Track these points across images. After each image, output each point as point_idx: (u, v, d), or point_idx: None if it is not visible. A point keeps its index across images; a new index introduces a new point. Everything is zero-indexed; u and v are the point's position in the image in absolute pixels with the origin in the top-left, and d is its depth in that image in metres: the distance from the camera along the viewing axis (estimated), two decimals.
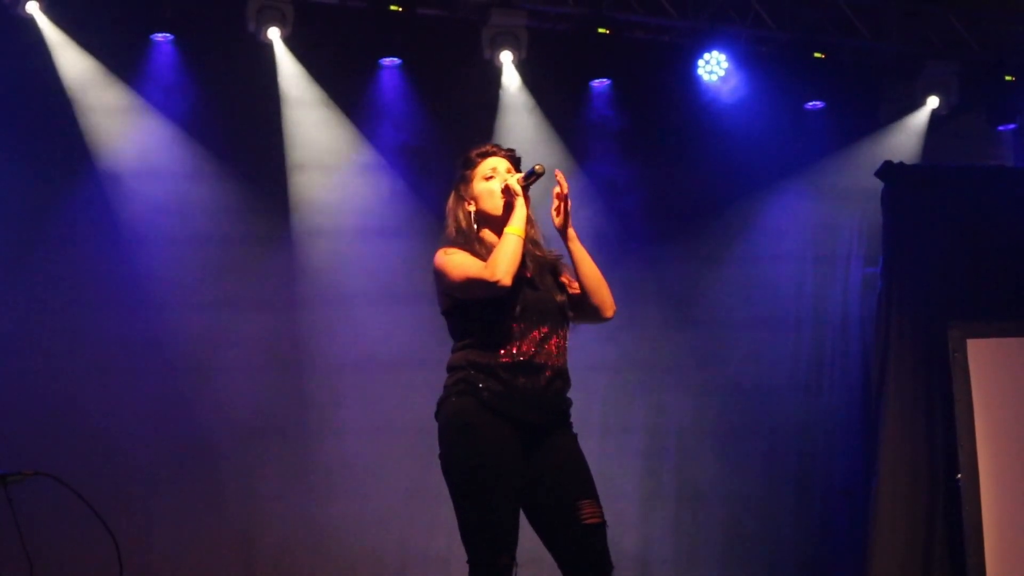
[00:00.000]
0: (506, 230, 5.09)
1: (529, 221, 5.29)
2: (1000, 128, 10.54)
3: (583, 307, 5.33)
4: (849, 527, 9.49)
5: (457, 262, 5.11)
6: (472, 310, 5.12)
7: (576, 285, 5.32)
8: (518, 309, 5.09)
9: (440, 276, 5.14)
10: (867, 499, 9.07)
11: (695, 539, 9.79)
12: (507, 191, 5.19)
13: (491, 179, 5.26)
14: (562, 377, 5.17)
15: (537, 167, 5.15)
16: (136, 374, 8.81)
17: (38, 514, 7.51)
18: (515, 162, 5.37)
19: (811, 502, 9.93)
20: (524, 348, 5.06)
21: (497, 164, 5.31)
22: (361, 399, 9.20)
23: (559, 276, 5.35)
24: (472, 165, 5.34)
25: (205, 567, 8.86)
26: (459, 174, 5.39)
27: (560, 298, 5.26)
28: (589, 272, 5.29)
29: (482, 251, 5.18)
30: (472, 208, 5.30)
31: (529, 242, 5.27)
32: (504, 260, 5.01)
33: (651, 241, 9.92)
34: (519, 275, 5.14)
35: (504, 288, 4.98)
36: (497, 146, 5.41)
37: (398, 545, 9.20)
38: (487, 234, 5.25)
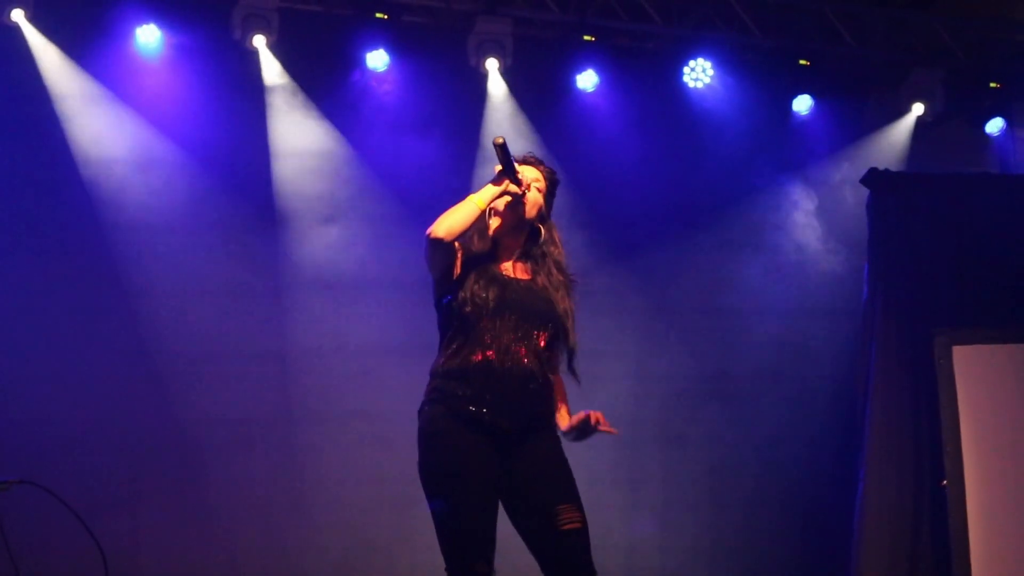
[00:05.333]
0: (469, 196, 5.12)
1: (552, 242, 5.35)
2: (986, 134, 10.60)
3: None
4: (835, 532, 9.48)
5: None
6: (455, 303, 5.11)
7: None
8: (492, 306, 5.07)
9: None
10: (853, 505, 9.07)
11: (680, 543, 9.80)
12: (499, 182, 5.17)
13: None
14: (537, 382, 5.13)
15: (496, 139, 5.13)
16: (120, 380, 8.82)
17: (23, 522, 7.51)
18: (551, 181, 5.42)
19: (796, 508, 9.93)
20: (496, 350, 5.04)
21: (527, 172, 5.29)
22: (349, 400, 9.21)
23: (569, 304, 5.33)
24: None
25: (191, 572, 8.85)
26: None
27: (561, 309, 5.24)
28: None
29: (476, 240, 5.21)
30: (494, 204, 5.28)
31: (553, 262, 5.30)
32: (447, 217, 5.02)
33: (636, 245, 9.93)
34: (513, 279, 5.17)
35: (438, 240, 4.98)
36: (536, 158, 5.43)
37: (385, 549, 9.20)
38: (492, 228, 5.26)
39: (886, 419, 9.03)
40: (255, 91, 9.30)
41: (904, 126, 10.41)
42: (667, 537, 9.78)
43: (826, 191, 10.23)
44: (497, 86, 9.71)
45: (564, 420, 5.34)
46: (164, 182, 9.09)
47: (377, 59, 9.40)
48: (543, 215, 5.36)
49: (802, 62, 10.23)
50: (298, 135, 9.41)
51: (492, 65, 9.57)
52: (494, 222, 5.27)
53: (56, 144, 8.87)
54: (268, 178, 9.34)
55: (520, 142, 9.53)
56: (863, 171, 9.39)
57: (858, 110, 10.57)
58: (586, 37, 9.84)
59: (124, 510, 8.66)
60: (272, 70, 9.31)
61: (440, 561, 5.03)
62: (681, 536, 9.81)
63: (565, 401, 5.40)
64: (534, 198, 5.28)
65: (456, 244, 5.12)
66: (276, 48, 9.25)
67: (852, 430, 9.25)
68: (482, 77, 9.67)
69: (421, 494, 5.10)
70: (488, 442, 5.02)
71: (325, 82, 9.48)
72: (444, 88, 9.60)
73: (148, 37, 8.99)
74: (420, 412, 5.16)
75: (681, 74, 9.98)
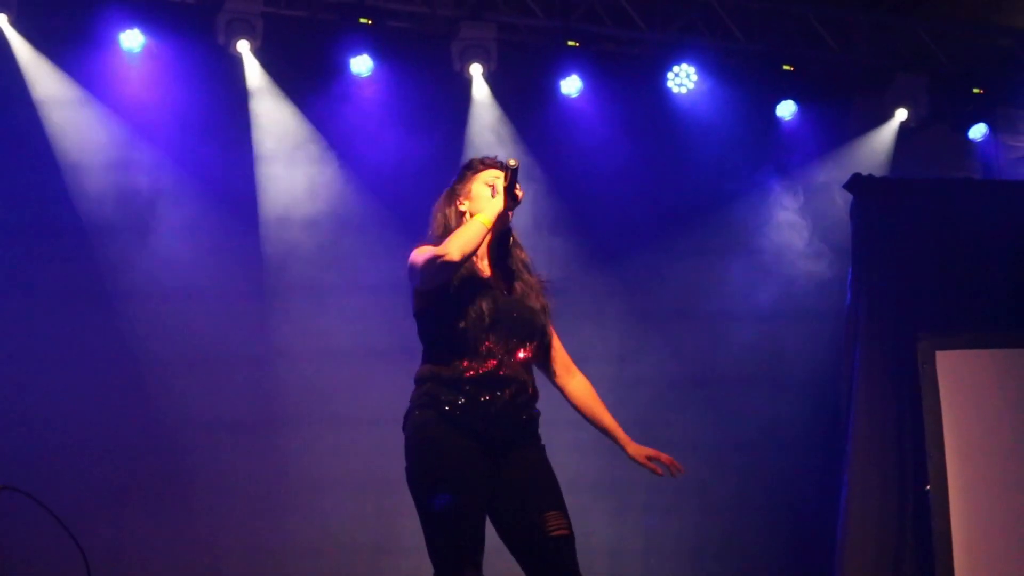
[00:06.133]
0: (475, 217, 5.09)
1: (517, 244, 5.34)
2: (969, 139, 10.63)
3: (547, 365, 5.44)
4: (819, 536, 9.49)
5: (422, 251, 5.06)
6: (443, 315, 5.09)
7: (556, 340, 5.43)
8: (487, 319, 5.07)
9: (410, 270, 5.10)
10: (836, 509, 9.08)
11: (664, 547, 9.80)
12: (493, 191, 5.17)
13: (493, 187, 5.24)
14: (528, 392, 5.15)
15: (511, 161, 5.13)
16: (103, 385, 8.78)
17: (6, 527, 7.49)
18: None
19: (780, 512, 9.93)
20: (491, 361, 5.05)
21: (502, 176, 5.27)
22: (328, 396, 9.19)
23: (545, 302, 5.36)
24: (475, 168, 5.34)
25: None
26: (459, 174, 5.38)
27: (542, 320, 5.27)
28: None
29: None
30: (464, 207, 5.28)
31: (521, 263, 5.31)
32: (459, 239, 4.98)
33: (619, 250, 9.93)
34: (498, 288, 5.16)
35: (452, 264, 4.93)
36: (503, 163, 5.41)
37: (368, 555, 9.19)
38: None
39: (869, 423, 9.04)
40: (239, 96, 9.29)
41: (888, 131, 10.43)
42: (650, 542, 9.77)
43: (810, 196, 10.23)
44: (481, 91, 9.70)
45: (619, 432, 5.53)
46: (148, 187, 9.06)
47: (361, 64, 9.40)
48: None
49: (786, 67, 10.24)
50: (282, 139, 9.40)
51: (476, 70, 9.57)
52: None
53: (39, 149, 8.85)
54: (252, 184, 9.32)
55: (504, 148, 9.55)
56: (847, 176, 9.41)
57: (842, 115, 10.58)
58: (570, 42, 9.83)
59: (107, 516, 8.63)
60: (256, 75, 9.30)
61: (425, 566, 5.02)
62: (665, 541, 9.81)
63: (603, 407, 5.57)
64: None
65: None
66: (260, 53, 9.24)
67: (835, 434, 9.26)
68: (466, 82, 9.66)
69: (405, 499, 5.09)
70: (479, 449, 5.02)
71: (309, 87, 9.46)
72: (428, 93, 9.59)
73: (131, 42, 8.96)
74: (408, 417, 5.13)
75: (665, 79, 9.99)
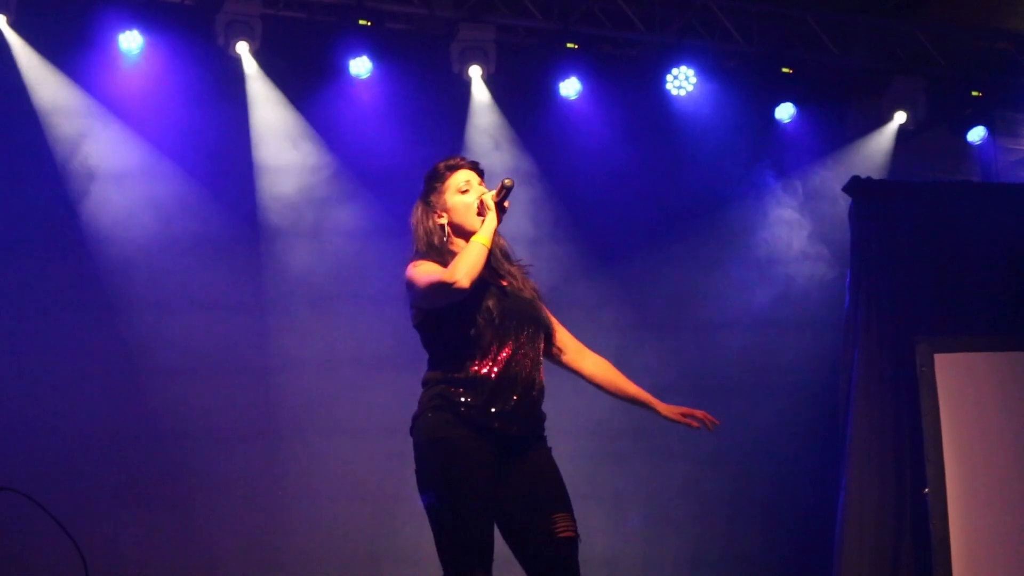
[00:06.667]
0: (473, 239, 5.06)
1: (498, 234, 5.32)
2: (968, 142, 10.64)
3: (556, 349, 5.43)
4: (817, 540, 9.49)
5: (423, 270, 5.04)
6: (450, 322, 5.08)
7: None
8: (496, 319, 5.06)
9: (409, 287, 5.09)
10: (835, 514, 9.08)
11: (662, 553, 9.79)
12: (482, 206, 5.17)
13: (467, 192, 5.23)
14: (538, 388, 5.15)
15: (507, 181, 5.14)
16: (103, 389, 8.77)
17: (6, 528, 7.48)
18: (480, 174, 5.36)
19: (778, 516, 9.93)
20: (501, 360, 5.04)
21: (470, 177, 5.28)
22: (330, 404, 9.18)
23: (533, 284, 5.37)
24: (443, 178, 5.30)
25: None
26: (428, 186, 5.34)
27: (540, 308, 5.28)
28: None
29: (448, 258, 5.13)
30: (444, 220, 5.27)
31: (500, 252, 5.30)
32: (465, 264, 4.95)
33: (618, 252, 9.93)
34: (494, 285, 5.14)
35: (462, 291, 4.92)
36: (463, 158, 5.39)
37: (366, 555, 9.18)
38: (461, 246, 5.17)
39: (868, 427, 9.04)
40: (238, 98, 9.28)
41: (886, 134, 10.44)
42: (649, 548, 9.77)
43: (808, 199, 10.24)
44: (480, 93, 9.70)
45: (647, 396, 5.62)
46: (147, 190, 9.04)
47: (360, 66, 9.40)
48: None
49: (785, 70, 10.25)
50: (280, 141, 9.39)
51: (475, 72, 9.58)
52: (461, 243, 5.25)
53: (38, 150, 8.83)
54: (251, 184, 9.31)
55: (503, 150, 9.56)
56: (845, 179, 9.40)
57: (840, 118, 10.60)
58: (569, 44, 9.84)
59: (106, 518, 8.62)
60: (255, 77, 9.29)
61: (425, 557, 5.00)
62: (663, 546, 9.80)
63: (624, 378, 5.63)
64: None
65: None
66: (259, 55, 9.24)
67: (834, 437, 9.26)
68: (465, 84, 9.67)
69: (405, 506, 5.08)
70: (491, 450, 5.01)
71: (308, 88, 9.46)
72: (427, 95, 9.60)
73: (131, 43, 8.96)
74: (419, 419, 5.11)
75: (664, 81, 9.99)
